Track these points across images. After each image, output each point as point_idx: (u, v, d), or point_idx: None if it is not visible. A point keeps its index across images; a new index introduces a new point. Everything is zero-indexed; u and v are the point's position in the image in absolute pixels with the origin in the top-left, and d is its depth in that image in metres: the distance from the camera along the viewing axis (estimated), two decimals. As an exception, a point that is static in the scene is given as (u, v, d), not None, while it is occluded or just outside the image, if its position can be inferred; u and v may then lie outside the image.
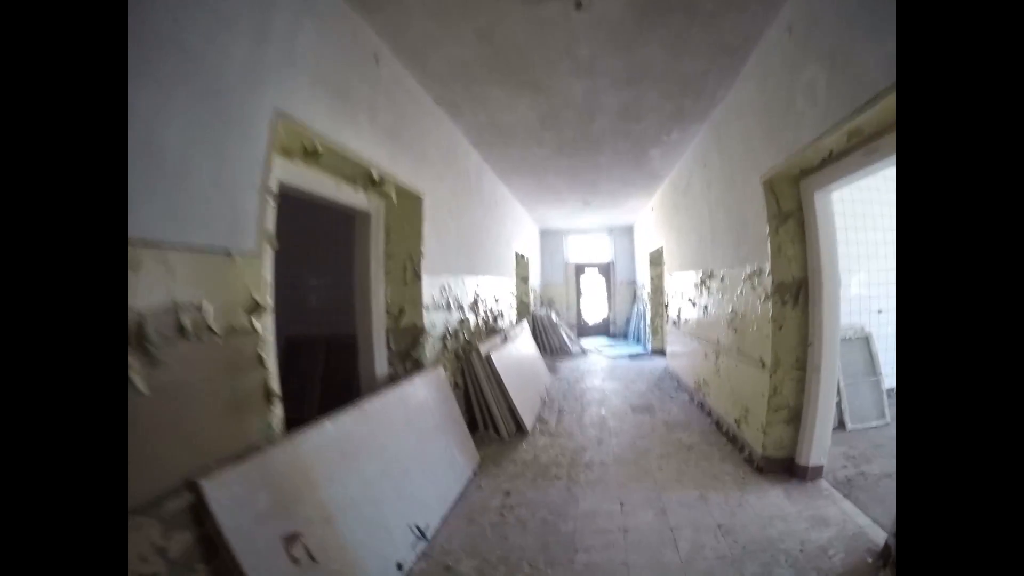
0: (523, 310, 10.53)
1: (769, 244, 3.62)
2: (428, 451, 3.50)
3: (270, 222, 2.43)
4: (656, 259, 10.04)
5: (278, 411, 2.47)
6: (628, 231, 13.45)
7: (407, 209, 4.04)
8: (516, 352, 6.25)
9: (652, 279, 10.25)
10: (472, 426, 4.90)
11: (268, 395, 2.26)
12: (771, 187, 3.64)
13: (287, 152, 2.70)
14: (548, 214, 10.94)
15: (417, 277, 4.05)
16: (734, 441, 4.47)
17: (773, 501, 3.38)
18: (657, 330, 10.24)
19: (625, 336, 13.08)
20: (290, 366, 5.35)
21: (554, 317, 11.30)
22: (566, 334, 11.17)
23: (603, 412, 5.91)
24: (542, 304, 12.86)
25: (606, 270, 14.04)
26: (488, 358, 5.02)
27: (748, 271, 4.07)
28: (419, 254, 4.06)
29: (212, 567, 1.87)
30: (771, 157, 3.53)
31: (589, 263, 14.09)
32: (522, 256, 10.13)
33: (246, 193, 2.14)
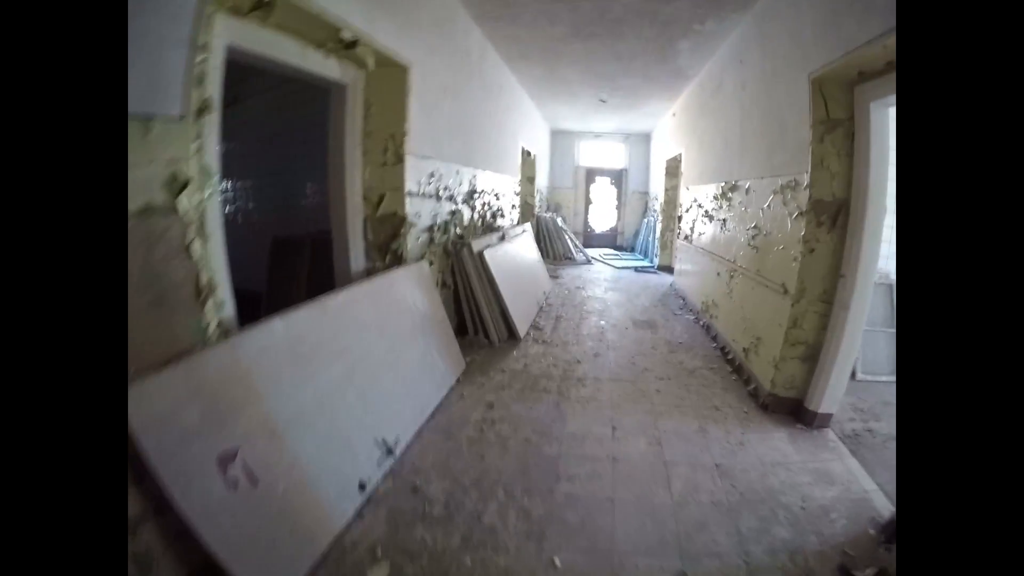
0: (527, 211, 10.00)
1: (811, 154, 3.10)
2: (403, 355, 3.16)
3: (212, 85, 1.99)
4: (673, 169, 9.41)
5: (221, 310, 2.10)
6: (645, 138, 12.63)
7: (390, 80, 3.45)
8: (514, 253, 5.83)
9: (666, 190, 9.66)
10: (460, 329, 4.59)
11: (199, 291, 1.86)
12: (820, 88, 3.06)
13: (236, 9, 2.20)
14: (560, 112, 10.14)
15: (400, 159, 3.53)
16: (740, 371, 4.15)
17: (776, 445, 3.09)
18: (666, 244, 9.78)
19: (632, 248, 12.62)
20: (277, 267, 5.05)
21: (560, 222, 10.81)
22: (571, 240, 10.72)
23: (603, 323, 5.59)
24: (548, 208, 12.32)
25: (618, 177, 13.32)
26: (481, 255, 4.61)
27: (781, 183, 3.56)
28: (403, 133, 3.51)
29: (144, 489, 1.59)
30: (825, 52, 2.93)
31: (601, 168, 13.36)
32: (529, 153, 9.48)
33: (170, 48, 1.67)
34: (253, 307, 2.35)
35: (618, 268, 9.86)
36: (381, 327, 3.01)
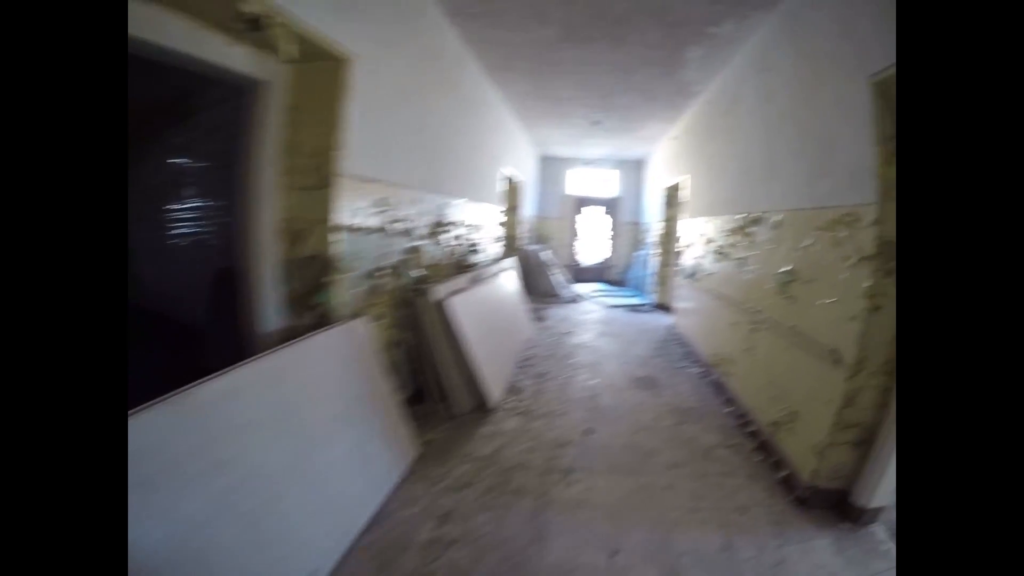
0: (511, 245, 9.24)
1: (877, 180, 2.37)
2: (323, 455, 2.31)
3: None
4: (671, 198, 8.74)
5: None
6: (638, 166, 12.03)
7: (322, 77, 2.69)
8: (491, 297, 5.04)
9: (664, 221, 8.95)
10: (417, 397, 3.77)
11: None
12: (886, 94, 2.36)
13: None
14: (550, 136, 9.48)
15: (325, 182, 2.72)
16: (766, 450, 3.37)
17: (822, 560, 2.37)
18: (663, 281, 9.05)
19: (624, 283, 11.90)
20: (219, 302, 4.23)
21: (546, 256, 10.07)
22: (559, 276, 9.97)
23: (595, 383, 4.77)
24: (535, 240, 11.60)
25: (610, 207, 12.67)
26: (442, 305, 3.78)
27: (831, 216, 2.81)
28: (334, 146, 2.71)
29: None
30: (892, 47, 2.24)
31: (591, 197, 12.68)
32: (514, 180, 8.76)
33: None
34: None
35: (610, 306, 9.09)
36: (287, 420, 2.16)
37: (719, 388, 4.58)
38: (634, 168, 12.09)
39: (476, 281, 4.84)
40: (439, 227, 4.44)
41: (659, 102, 6.59)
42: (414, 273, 3.93)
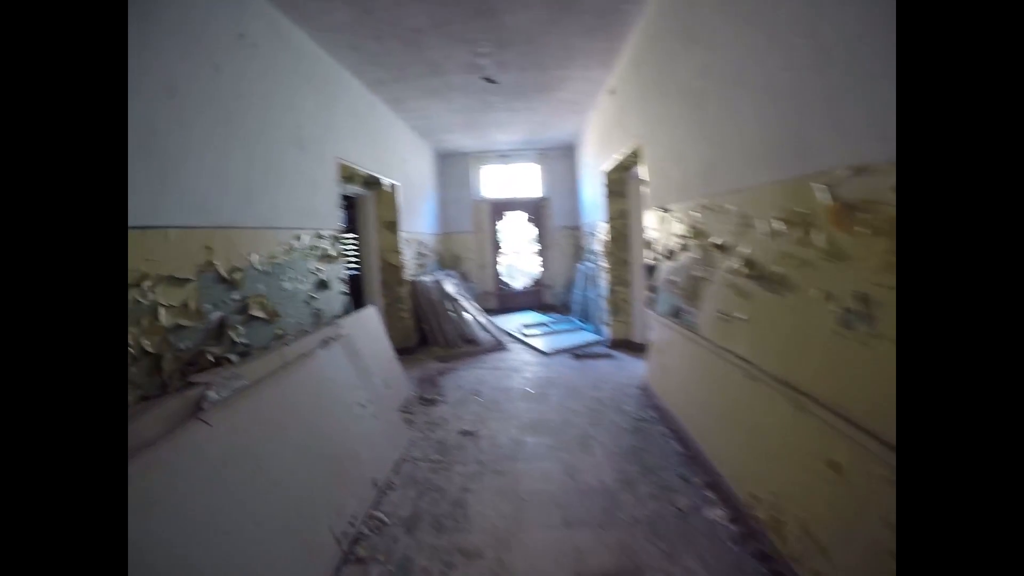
0: (392, 277, 6.44)
1: None
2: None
3: None
4: (616, 184, 6.23)
5: None
6: (567, 152, 9.59)
7: None
8: (262, 431, 2.31)
9: (611, 219, 6.40)
10: None
11: None
12: None
13: None
14: (435, 118, 6.78)
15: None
16: None
17: None
18: (619, 307, 6.46)
19: (567, 307, 9.25)
20: None
21: (452, 286, 7.38)
22: (475, 313, 7.31)
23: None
24: (440, 265, 8.87)
25: (536, 209, 10.10)
26: None
27: None
28: None
29: None
30: None
31: (513, 200, 10.07)
32: (378, 182, 5.93)
33: None
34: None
35: (548, 352, 6.44)
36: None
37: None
38: (562, 157, 9.67)
39: (202, 409, 2.08)
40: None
41: (579, 13, 3.91)
42: None
